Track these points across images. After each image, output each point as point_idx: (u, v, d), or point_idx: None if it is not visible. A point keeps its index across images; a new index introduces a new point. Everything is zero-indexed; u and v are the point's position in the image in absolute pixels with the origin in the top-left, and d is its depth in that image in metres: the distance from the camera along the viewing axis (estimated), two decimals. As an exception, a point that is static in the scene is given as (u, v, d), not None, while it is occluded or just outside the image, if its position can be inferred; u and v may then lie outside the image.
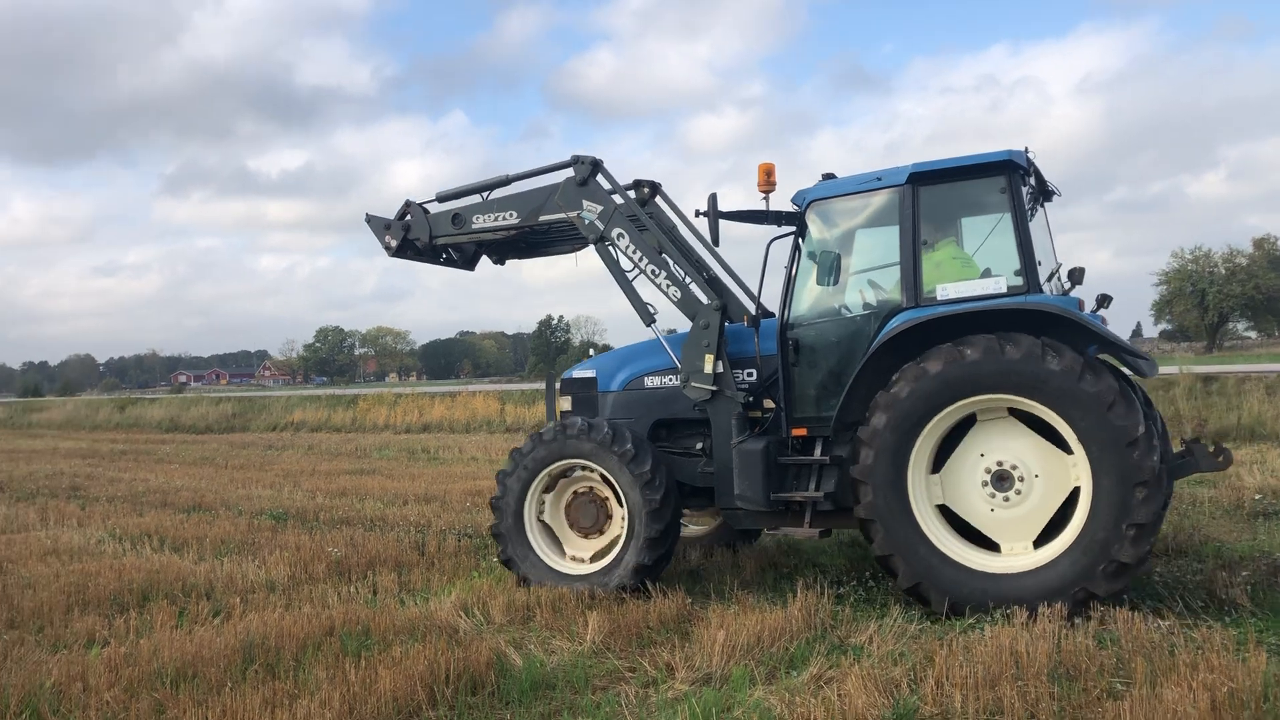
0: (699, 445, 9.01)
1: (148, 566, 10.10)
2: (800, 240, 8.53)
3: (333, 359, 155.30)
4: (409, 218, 10.37)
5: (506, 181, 9.95)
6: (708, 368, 8.62)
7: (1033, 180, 8.27)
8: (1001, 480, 7.51)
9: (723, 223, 8.65)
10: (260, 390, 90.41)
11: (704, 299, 8.93)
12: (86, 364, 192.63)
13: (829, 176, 8.78)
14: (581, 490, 8.95)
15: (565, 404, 9.81)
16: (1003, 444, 7.54)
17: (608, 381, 9.63)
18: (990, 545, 7.60)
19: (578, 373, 9.93)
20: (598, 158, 9.35)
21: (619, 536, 8.62)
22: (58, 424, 46.91)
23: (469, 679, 6.24)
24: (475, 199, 10.16)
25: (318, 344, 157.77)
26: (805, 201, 8.57)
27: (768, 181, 8.69)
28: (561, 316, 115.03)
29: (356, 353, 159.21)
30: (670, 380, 9.17)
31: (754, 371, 8.84)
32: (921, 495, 7.58)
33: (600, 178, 9.42)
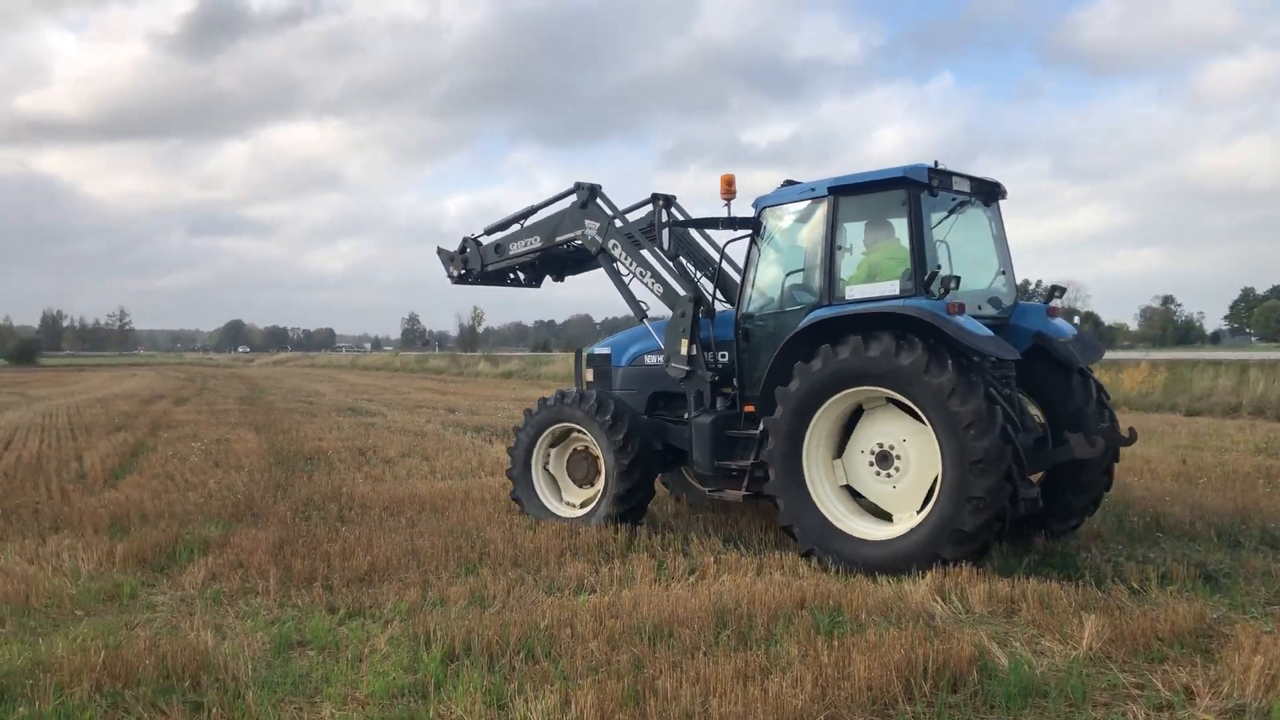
0: (685, 415, 10.15)
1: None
2: (754, 241, 9.57)
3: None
4: (468, 251, 12.39)
5: (531, 211, 11.82)
6: (683, 350, 9.95)
7: (963, 186, 8.92)
8: (884, 459, 8.36)
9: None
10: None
11: (682, 292, 10.30)
12: (585, 323, 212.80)
13: (790, 183, 9.71)
14: (579, 449, 10.52)
15: (589, 375, 11.39)
16: (884, 428, 8.39)
17: (619, 358, 11.19)
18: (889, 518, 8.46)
19: (598, 350, 11.59)
20: (596, 184, 11.16)
21: (601, 489, 10.11)
22: (561, 376, 51.93)
23: (949, 675, 5.72)
24: (516, 228, 12.02)
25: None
26: (760, 207, 9.58)
27: (728, 190, 9.80)
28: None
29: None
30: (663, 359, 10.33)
31: (726, 354, 9.95)
32: (820, 477, 8.54)
33: (598, 200, 11.16)
